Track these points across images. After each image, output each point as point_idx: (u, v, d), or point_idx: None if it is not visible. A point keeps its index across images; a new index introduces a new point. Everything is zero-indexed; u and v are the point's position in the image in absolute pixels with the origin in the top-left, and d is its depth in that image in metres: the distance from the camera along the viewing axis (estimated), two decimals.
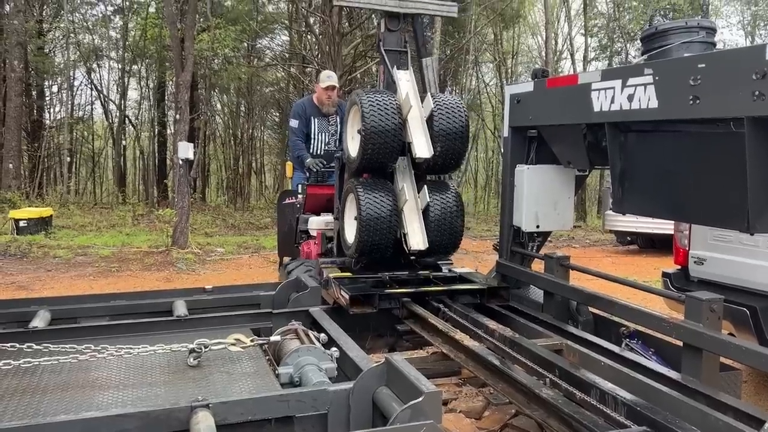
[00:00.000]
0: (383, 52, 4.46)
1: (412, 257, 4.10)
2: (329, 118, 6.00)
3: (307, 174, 5.76)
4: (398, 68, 4.35)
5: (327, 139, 6.01)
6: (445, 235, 3.94)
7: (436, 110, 3.92)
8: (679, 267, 4.68)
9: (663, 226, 10.64)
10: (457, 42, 20.73)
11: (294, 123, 6.01)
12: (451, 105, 3.97)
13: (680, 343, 2.81)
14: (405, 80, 4.23)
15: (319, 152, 5.96)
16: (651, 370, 2.71)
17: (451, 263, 4.37)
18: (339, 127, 5.87)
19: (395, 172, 4.09)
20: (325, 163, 5.62)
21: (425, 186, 3.98)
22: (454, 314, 3.50)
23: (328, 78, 6.00)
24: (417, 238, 3.85)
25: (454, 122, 3.91)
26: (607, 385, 2.43)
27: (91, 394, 2.28)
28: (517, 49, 29.21)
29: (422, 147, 3.84)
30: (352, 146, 4.11)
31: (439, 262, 4.29)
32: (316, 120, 5.99)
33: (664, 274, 4.72)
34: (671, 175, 3.07)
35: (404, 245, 3.94)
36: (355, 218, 3.92)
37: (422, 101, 4.05)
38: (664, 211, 3.27)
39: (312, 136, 6.00)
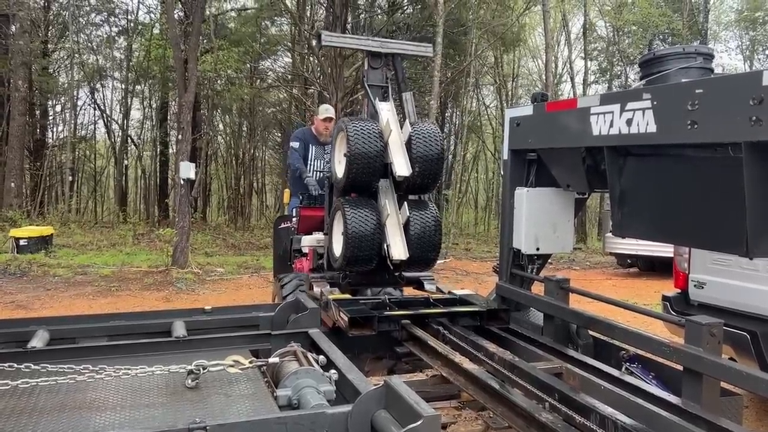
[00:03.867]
0: (367, 86, 4.91)
1: (396, 273, 4.50)
2: (325, 147, 6.42)
3: (301, 197, 6.09)
4: (380, 100, 4.80)
5: (322, 167, 6.45)
6: (425, 247, 4.27)
7: (413, 135, 4.30)
8: (679, 291, 4.67)
9: (663, 249, 10.65)
10: (458, 65, 20.90)
11: (295, 144, 6.45)
12: (427, 131, 4.35)
13: (680, 368, 2.80)
14: (386, 110, 4.65)
15: (314, 177, 6.33)
16: (651, 395, 2.69)
17: (433, 279, 4.66)
18: None
19: (378, 192, 4.44)
20: (319, 189, 5.97)
21: (405, 203, 4.34)
22: (454, 337, 3.48)
23: (326, 111, 6.55)
24: (398, 249, 4.18)
25: (431, 146, 4.28)
26: (607, 410, 2.42)
27: (88, 416, 2.26)
28: (518, 72, 29.47)
29: (401, 166, 4.21)
30: (339, 168, 4.44)
31: (421, 277, 4.61)
32: (313, 147, 6.47)
33: (664, 298, 4.71)
34: (670, 198, 3.08)
35: (387, 256, 4.22)
36: (342, 233, 4.20)
37: (401, 128, 4.45)
38: (663, 234, 3.27)
39: (308, 162, 6.44)
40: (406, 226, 4.24)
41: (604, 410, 2.41)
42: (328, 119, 6.40)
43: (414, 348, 3.51)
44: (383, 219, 4.23)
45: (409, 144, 4.29)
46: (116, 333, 3.38)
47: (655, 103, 2.81)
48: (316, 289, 4.31)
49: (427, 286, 4.54)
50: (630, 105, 2.96)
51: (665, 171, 3.05)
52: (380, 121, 4.47)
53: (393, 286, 4.68)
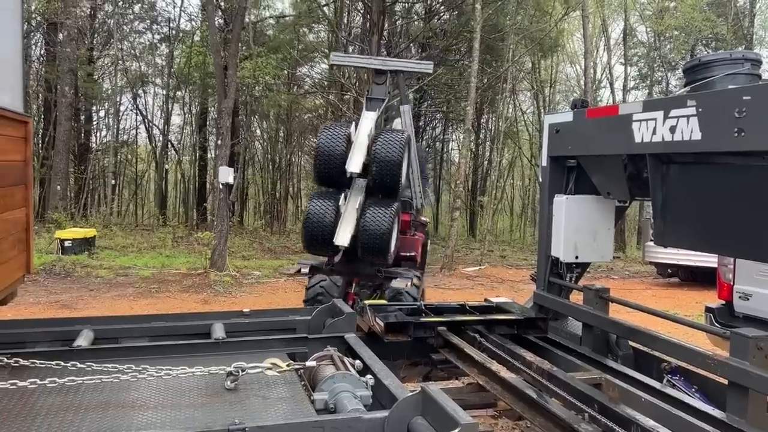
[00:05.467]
0: (365, 99, 5.51)
1: (376, 267, 5.09)
2: None
3: None
4: (368, 110, 5.32)
5: None
6: (373, 239, 4.69)
7: (377, 140, 4.73)
8: (723, 302, 4.55)
9: (705, 259, 10.38)
10: (495, 71, 20.79)
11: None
12: (389, 138, 4.77)
13: (725, 381, 2.72)
14: (368, 118, 5.18)
15: None
16: (694, 408, 2.63)
17: (410, 277, 5.13)
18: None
19: (351, 188, 4.99)
20: None
21: (359, 197, 4.86)
22: (491, 345, 3.46)
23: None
24: (342, 237, 4.71)
25: (390, 151, 4.68)
26: (649, 422, 2.37)
27: (131, 414, 2.32)
28: (555, 78, 29.14)
29: (352, 164, 4.74)
30: None
31: (400, 273, 5.12)
32: None
33: (708, 309, 4.59)
34: (715, 207, 3.01)
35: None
36: None
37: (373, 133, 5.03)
38: (707, 244, 3.20)
39: None
40: (361, 219, 4.70)
41: (645, 423, 2.36)
42: None
43: (450, 355, 3.50)
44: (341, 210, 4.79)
45: (371, 147, 4.73)
46: (157, 334, 3.45)
47: (700, 110, 2.75)
48: (295, 267, 5.13)
49: (400, 280, 5.05)
50: (674, 112, 2.90)
51: (710, 179, 2.98)
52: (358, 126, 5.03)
53: (371, 279, 5.22)
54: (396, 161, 4.64)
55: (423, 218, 6.42)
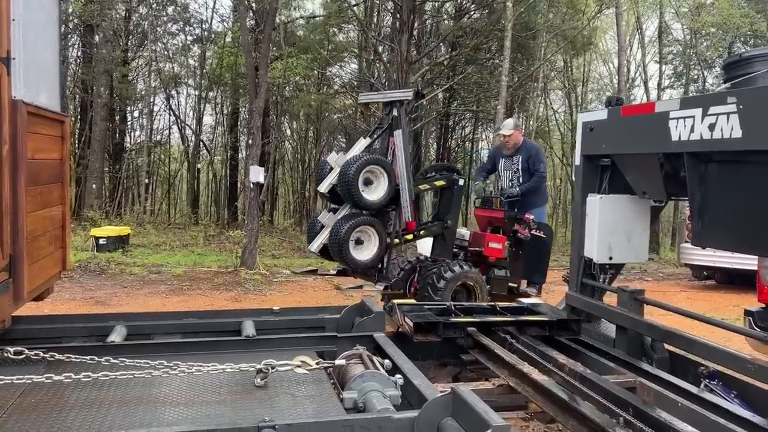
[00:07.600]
0: (375, 127, 6.17)
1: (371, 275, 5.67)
2: (513, 158, 7.14)
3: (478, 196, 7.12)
4: (363, 137, 5.91)
5: (510, 176, 7.20)
6: (332, 246, 5.25)
7: (343, 165, 5.28)
8: (764, 305, 4.42)
9: (744, 261, 10.09)
10: (526, 69, 20.57)
11: (484, 157, 7.14)
12: (348, 163, 5.30)
13: (766, 387, 2.64)
14: (359, 144, 5.70)
15: (505, 186, 7.17)
16: (734, 415, 2.55)
17: (391, 281, 5.66)
18: (522, 164, 7.10)
19: (344, 205, 5.52)
20: (485, 192, 7.18)
21: (331, 213, 5.46)
22: (522, 346, 3.41)
23: (503, 127, 7.34)
24: (314, 244, 5.42)
25: (345, 173, 5.21)
26: (687, 428, 2.30)
27: (163, 410, 2.34)
28: (587, 77, 28.73)
29: (322, 185, 5.48)
30: None
31: (380, 278, 5.64)
32: (502, 160, 7.25)
33: (747, 313, 4.46)
34: (756, 207, 2.92)
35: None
36: None
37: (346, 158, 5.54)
38: (747, 245, 3.11)
39: (500, 174, 7.34)
40: (332, 230, 5.29)
41: (683, 428, 2.30)
42: (501, 136, 7.25)
43: (480, 356, 3.46)
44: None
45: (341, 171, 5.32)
46: (189, 331, 3.49)
47: (741, 107, 2.67)
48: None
49: (377, 285, 5.60)
50: (713, 109, 2.83)
51: (751, 178, 2.89)
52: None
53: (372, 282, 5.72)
54: (349, 181, 5.19)
55: (528, 215, 6.49)
